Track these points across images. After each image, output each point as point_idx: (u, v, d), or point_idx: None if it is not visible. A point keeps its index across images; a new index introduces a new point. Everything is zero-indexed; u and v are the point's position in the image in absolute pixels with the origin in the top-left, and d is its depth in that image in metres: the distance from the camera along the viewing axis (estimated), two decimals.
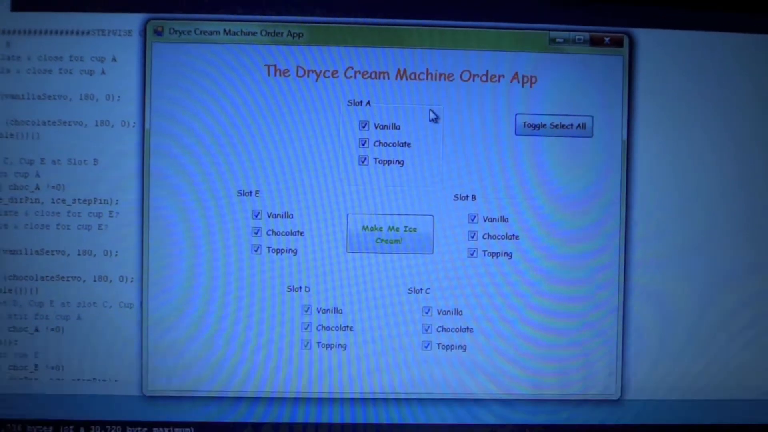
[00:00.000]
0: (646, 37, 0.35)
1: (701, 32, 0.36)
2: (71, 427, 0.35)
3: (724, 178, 0.36)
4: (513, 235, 0.35)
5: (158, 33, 0.34)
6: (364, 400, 0.35)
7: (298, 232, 0.35)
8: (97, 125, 0.34)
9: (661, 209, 0.36)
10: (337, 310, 0.35)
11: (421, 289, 0.35)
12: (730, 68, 0.36)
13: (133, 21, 0.34)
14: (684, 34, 0.36)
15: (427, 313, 0.35)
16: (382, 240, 0.35)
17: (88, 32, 0.34)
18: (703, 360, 0.36)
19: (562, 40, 0.35)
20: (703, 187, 0.36)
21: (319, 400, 0.35)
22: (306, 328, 0.35)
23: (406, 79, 0.35)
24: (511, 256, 0.35)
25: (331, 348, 0.35)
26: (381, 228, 0.35)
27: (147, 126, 0.34)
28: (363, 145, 0.35)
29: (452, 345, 0.35)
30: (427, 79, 0.35)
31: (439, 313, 0.35)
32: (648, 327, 0.36)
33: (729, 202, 0.36)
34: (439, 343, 0.35)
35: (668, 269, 0.36)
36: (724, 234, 0.36)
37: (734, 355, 0.36)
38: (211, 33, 0.34)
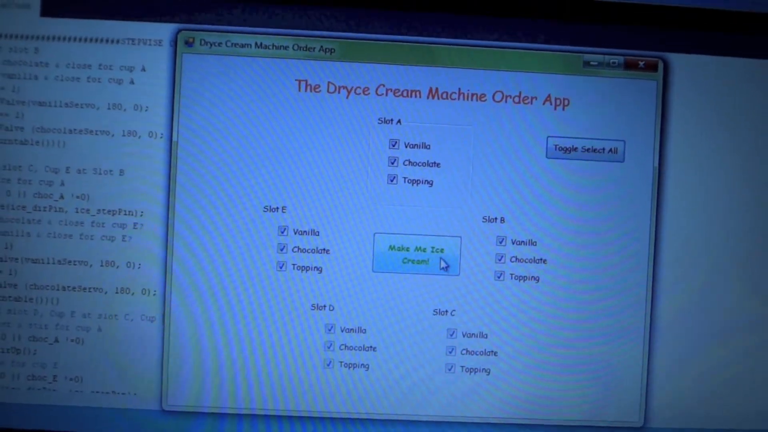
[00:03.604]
0: (681, 62, 0.35)
1: (737, 59, 0.35)
2: None
3: (757, 208, 0.35)
4: (541, 259, 0.35)
5: (189, 44, 0.34)
6: (385, 421, 0.35)
7: (323, 249, 0.34)
8: (124, 135, 0.34)
9: (691, 237, 0.35)
10: (360, 330, 0.35)
11: (447, 311, 0.35)
12: (766, 96, 0.35)
13: (164, 31, 0.34)
14: (720, 60, 0.35)
15: (451, 335, 0.35)
16: (409, 260, 0.34)
17: (118, 41, 0.34)
18: (731, 389, 0.36)
19: (596, 63, 0.35)
20: (735, 216, 0.35)
21: (340, 420, 0.35)
22: (329, 348, 0.34)
23: (438, 98, 0.34)
24: (538, 280, 0.35)
25: (354, 368, 0.35)
26: (408, 248, 0.34)
27: (174, 138, 0.34)
28: (392, 163, 0.34)
29: (476, 368, 0.35)
30: (459, 98, 0.34)
31: (463, 336, 0.35)
32: (675, 354, 0.35)
33: (761, 232, 0.35)
34: (462, 366, 0.35)
35: (697, 297, 0.35)
36: (754, 263, 0.35)
37: (764, 385, 0.36)
38: (243, 45, 0.34)
